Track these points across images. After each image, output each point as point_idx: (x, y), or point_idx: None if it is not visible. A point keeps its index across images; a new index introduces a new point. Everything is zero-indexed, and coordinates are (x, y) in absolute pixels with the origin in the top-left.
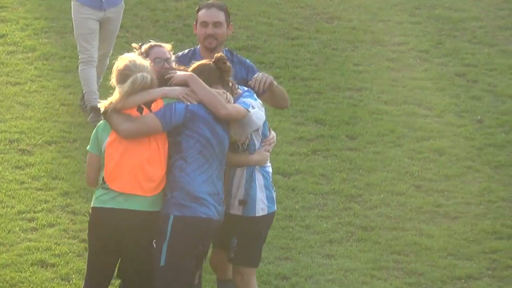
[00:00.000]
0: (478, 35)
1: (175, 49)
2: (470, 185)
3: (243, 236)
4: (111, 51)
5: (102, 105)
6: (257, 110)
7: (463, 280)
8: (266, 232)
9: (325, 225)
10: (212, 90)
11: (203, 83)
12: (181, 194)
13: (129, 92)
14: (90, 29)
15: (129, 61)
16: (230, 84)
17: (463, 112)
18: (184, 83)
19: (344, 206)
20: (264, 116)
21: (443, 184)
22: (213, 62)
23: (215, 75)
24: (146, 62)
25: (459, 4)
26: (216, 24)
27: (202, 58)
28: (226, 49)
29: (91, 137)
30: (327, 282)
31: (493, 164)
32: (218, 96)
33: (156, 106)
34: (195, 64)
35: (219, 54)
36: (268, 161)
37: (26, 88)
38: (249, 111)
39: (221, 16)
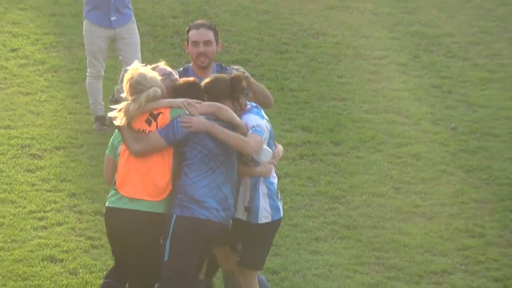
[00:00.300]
0: (452, 49)
1: (173, 62)
2: (445, 187)
3: (247, 241)
4: None
5: (114, 114)
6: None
7: (438, 275)
8: (270, 238)
9: (311, 224)
10: (231, 132)
11: (223, 128)
12: (183, 197)
13: (143, 106)
14: (98, 46)
15: (139, 76)
16: (240, 101)
17: (438, 120)
18: (205, 129)
19: (329, 206)
20: (268, 132)
21: (420, 186)
22: (231, 78)
23: (227, 90)
24: (155, 73)
25: (434, 21)
26: (207, 43)
27: (195, 76)
28: (217, 63)
29: (109, 142)
30: (313, 276)
31: (466, 168)
32: (239, 136)
33: (162, 119)
34: (214, 75)
35: (238, 73)
36: (273, 172)
37: (37, 98)
38: (262, 137)
39: (210, 35)
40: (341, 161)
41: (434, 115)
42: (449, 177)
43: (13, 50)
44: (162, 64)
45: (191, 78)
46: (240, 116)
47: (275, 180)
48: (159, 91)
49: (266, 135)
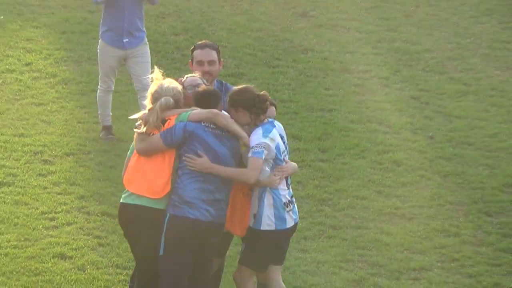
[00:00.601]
0: (430, 64)
1: (174, 75)
2: (423, 191)
3: (250, 244)
4: (149, 85)
5: (138, 122)
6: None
7: (416, 271)
8: (274, 246)
9: (300, 224)
10: (231, 169)
11: (224, 168)
12: (176, 197)
13: (159, 115)
14: (110, 66)
15: (158, 86)
16: (261, 117)
17: (417, 129)
18: (206, 170)
19: (316, 208)
20: (272, 149)
21: (400, 190)
22: (258, 94)
23: (250, 104)
24: (173, 85)
25: (414, 38)
26: (211, 63)
27: None
28: (217, 80)
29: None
30: (302, 272)
31: (442, 174)
32: (240, 170)
33: (168, 124)
34: (244, 86)
35: (265, 93)
36: (284, 184)
37: (48, 108)
38: (262, 159)
39: (214, 55)
40: (327, 167)
41: (413, 124)
42: (427, 181)
43: (27, 64)
44: (196, 75)
45: (203, 88)
46: (252, 129)
47: (284, 192)
48: (171, 100)
49: (267, 153)
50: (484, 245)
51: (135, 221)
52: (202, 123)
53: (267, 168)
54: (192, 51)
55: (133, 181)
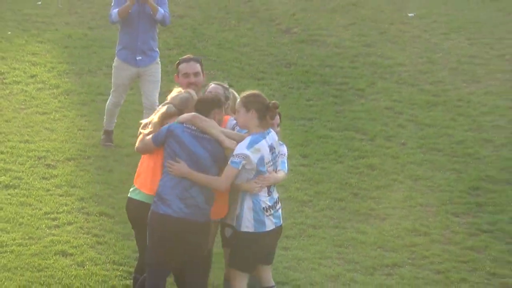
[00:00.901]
0: (403, 77)
1: (168, 87)
2: (395, 193)
3: (235, 245)
4: (156, 103)
5: (147, 122)
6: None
7: (389, 267)
8: (253, 247)
9: (283, 224)
10: (205, 176)
11: (198, 174)
12: (156, 194)
13: (160, 118)
14: (123, 83)
15: (169, 95)
16: (269, 121)
17: (391, 137)
18: (183, 176)
19: (297, 209)
20: (252, 160)
21: (374, 192)
22: (270, 102)
23: (263, 108)
24: (181, 95)
25: (388, 53)
26: (196, 74)
27: None
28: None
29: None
30: (284, 269)
31: (414, 177)
32: (213, 178)
33: None
34: (257, 91)
35: (276, 103)
36: (265, 192)
37: (52, 117)
38: (237, 169)
39: (198, 67)
40: (308, 171)
41: (387, 132)
42: (399, 185)
43: (32, 76)
44: (217, 84)
45: (201, 96)
46: (240, 130)
47: (264, 198)
48: (173, 108)
49: (245, 163)
50: (452, 244)
51: (136, 214)
52: (184, 125)
53: (248, 176)
54: (178, 65)
55: (137, 177)
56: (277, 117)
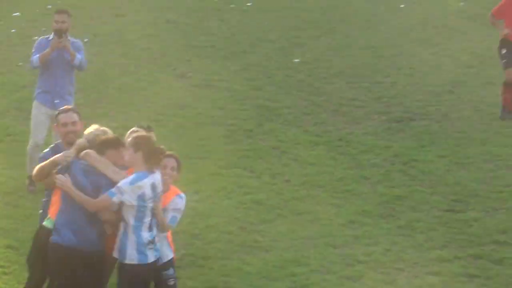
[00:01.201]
0: (288, 118)
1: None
2: (279, 227)
3: (119, 278)
4: None
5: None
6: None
7: None
8: (135, 279)
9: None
10: (83, 196)
11: (78, 193)
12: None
13: (73, 151)
14: (41, 120)
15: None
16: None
17: (276, 174)
18: (65, 190)
19: (188, 242)
20: (132, 196)
21: (260, 226)
22: (157, 148)
23: (149, 152)
24: (92, 131)
25: (275, 96)
26: (74, 124)
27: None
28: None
29: None
30: None
31: (296, 212)
32: (88, 200)
33: None
34: (148, 135)
35: (163, 148)
36: (144, 227)
37: None
38: (110, 198)
39: (75, 117)
40: (199, 206)
41: (273, 170)
42: (283, 219)
43: None
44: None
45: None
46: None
47: (146, 234)
48: (86, 142)
49: (121, 196)
50: (330, 273)
51: (46, 241)
52: (80, 160)
53: (131, 211)
54: (56, 116)
55: (51, 206)
56: (173, 160)
